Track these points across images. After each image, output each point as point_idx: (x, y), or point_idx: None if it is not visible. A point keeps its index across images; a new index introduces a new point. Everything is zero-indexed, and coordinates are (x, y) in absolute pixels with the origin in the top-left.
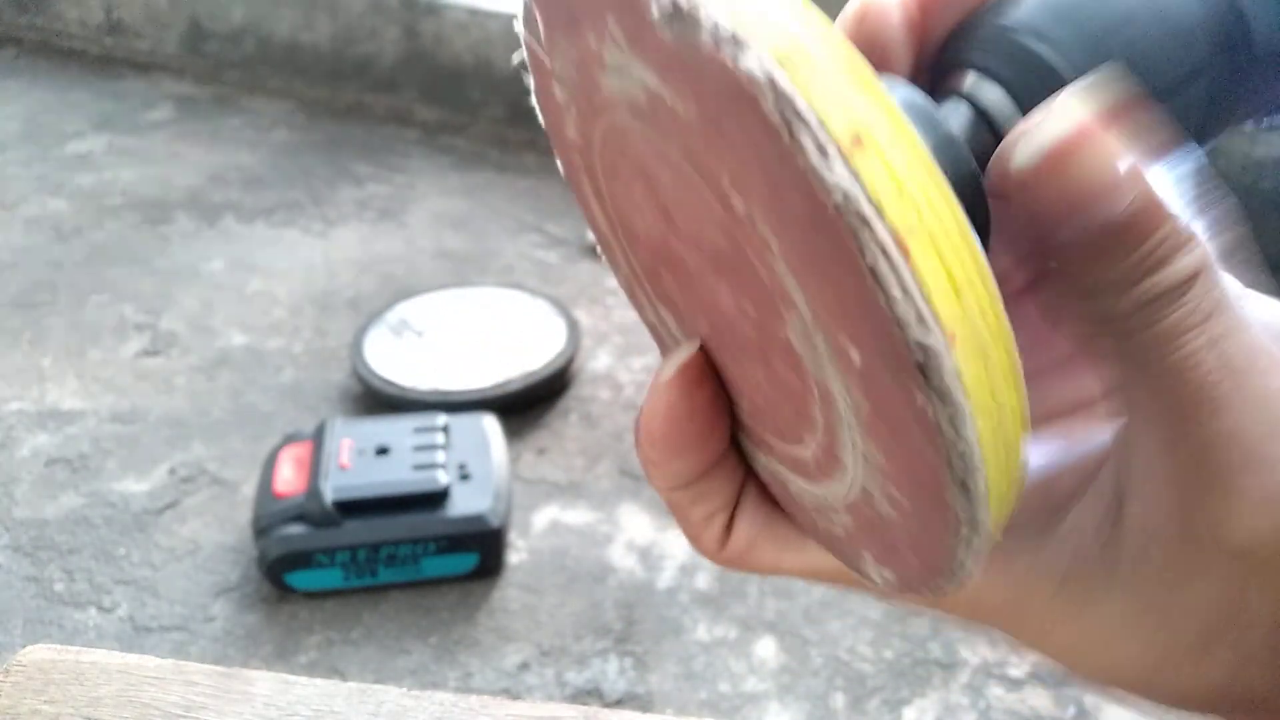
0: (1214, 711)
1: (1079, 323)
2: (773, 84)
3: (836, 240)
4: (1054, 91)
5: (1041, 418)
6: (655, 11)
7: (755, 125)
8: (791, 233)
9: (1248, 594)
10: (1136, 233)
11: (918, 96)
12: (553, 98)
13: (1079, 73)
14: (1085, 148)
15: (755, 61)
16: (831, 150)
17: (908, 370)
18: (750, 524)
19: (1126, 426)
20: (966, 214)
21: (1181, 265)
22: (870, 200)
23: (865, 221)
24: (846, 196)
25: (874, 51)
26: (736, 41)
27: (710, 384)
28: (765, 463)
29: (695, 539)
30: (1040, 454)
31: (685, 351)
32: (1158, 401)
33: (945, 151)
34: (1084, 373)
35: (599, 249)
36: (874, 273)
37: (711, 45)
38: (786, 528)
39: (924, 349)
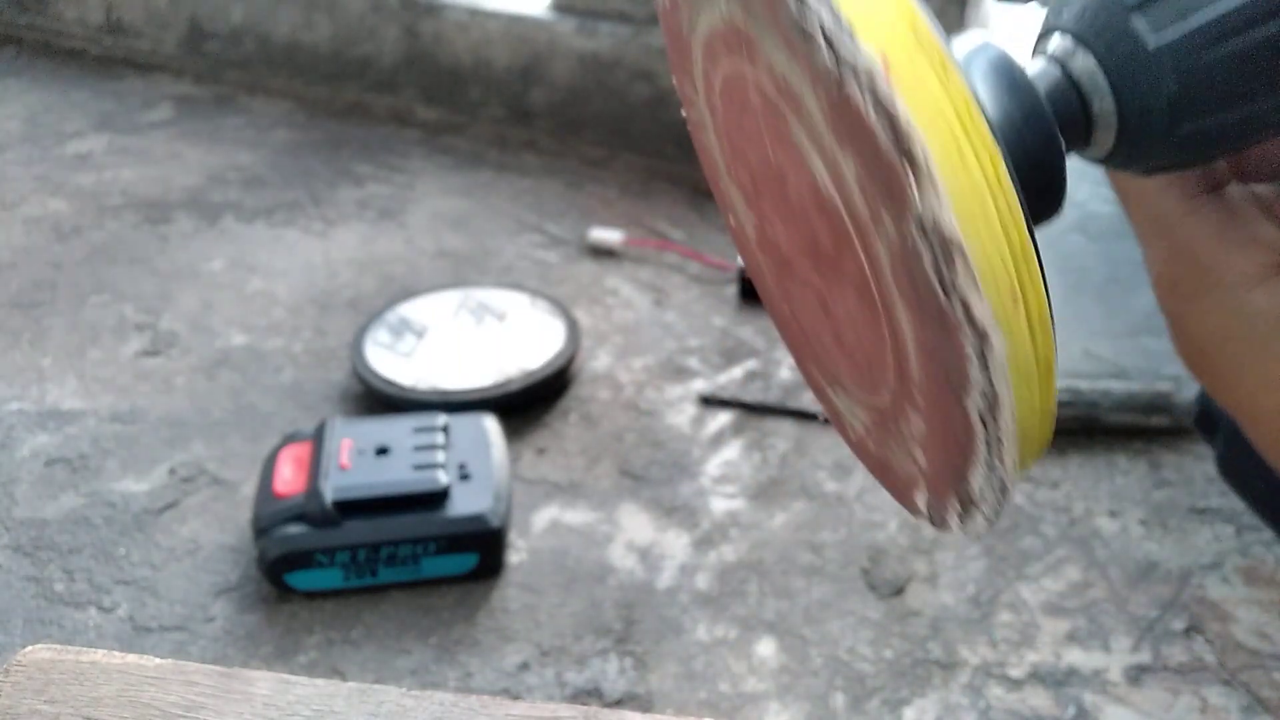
0: None
1: None
2: None
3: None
4: (1145, 70)
5: None
6: None
7: None
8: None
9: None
10: None
11: (1001, 52)
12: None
13: (1173, 54)
14: None
15: None
16: None
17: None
18: None
19: None
20: (1034, 158)
21: None
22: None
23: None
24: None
25: None
26: None
27: None
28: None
29: None
30: None
31: None
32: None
33: (1017, 100)
34: None
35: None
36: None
37: None
38: None
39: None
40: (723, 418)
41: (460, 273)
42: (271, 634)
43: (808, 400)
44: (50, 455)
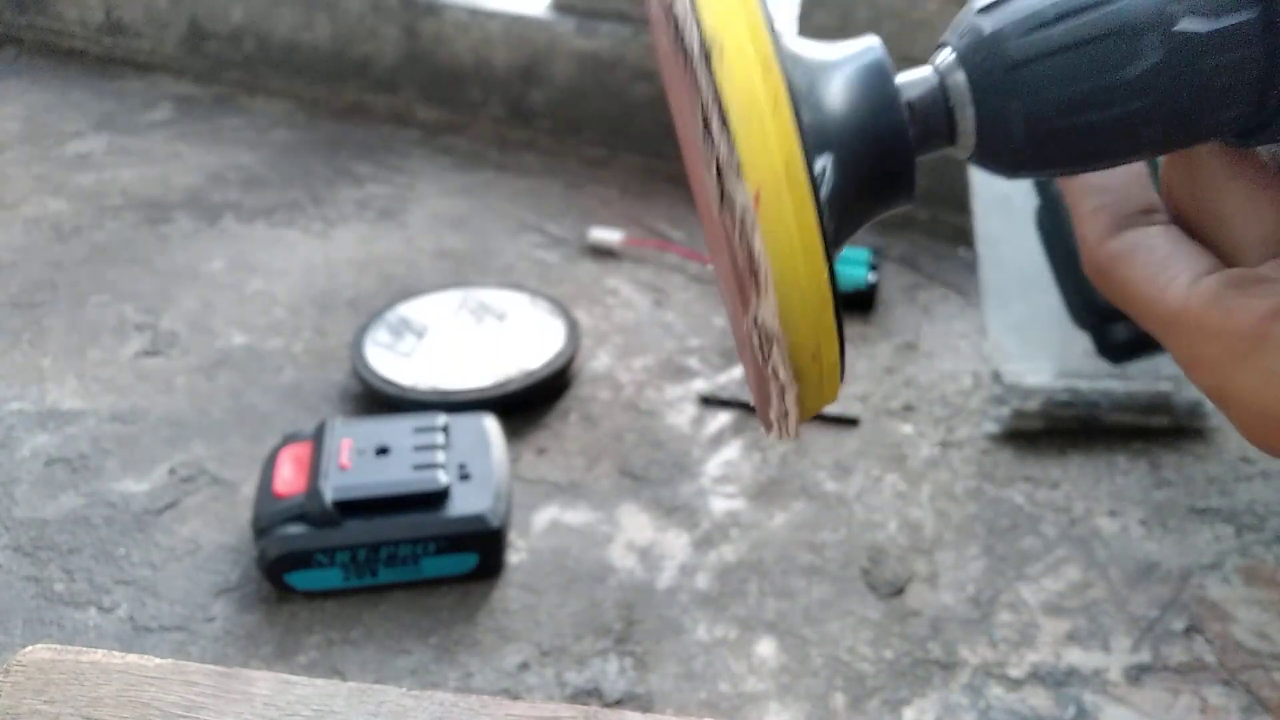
0: None
1: None
2: None
3: None
4: (1010, 92)
5: None
6: None
7: None
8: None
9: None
10: None
11: (877, 59)
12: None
13: (1037, 84)
14: None
15: None
16: None
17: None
18: None
19: None
20: (888, 155)
21: None
22: None
23: None
24: None
25: None
26: None
27: None
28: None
29: None
30: None
31: None
32: None
33: (880, 104)
34: None
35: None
36: None
37: None
38: None
39: None
40: (723, 418)
41: (460, 273)
42: (271, 634)
43: None
44: (50, 455)
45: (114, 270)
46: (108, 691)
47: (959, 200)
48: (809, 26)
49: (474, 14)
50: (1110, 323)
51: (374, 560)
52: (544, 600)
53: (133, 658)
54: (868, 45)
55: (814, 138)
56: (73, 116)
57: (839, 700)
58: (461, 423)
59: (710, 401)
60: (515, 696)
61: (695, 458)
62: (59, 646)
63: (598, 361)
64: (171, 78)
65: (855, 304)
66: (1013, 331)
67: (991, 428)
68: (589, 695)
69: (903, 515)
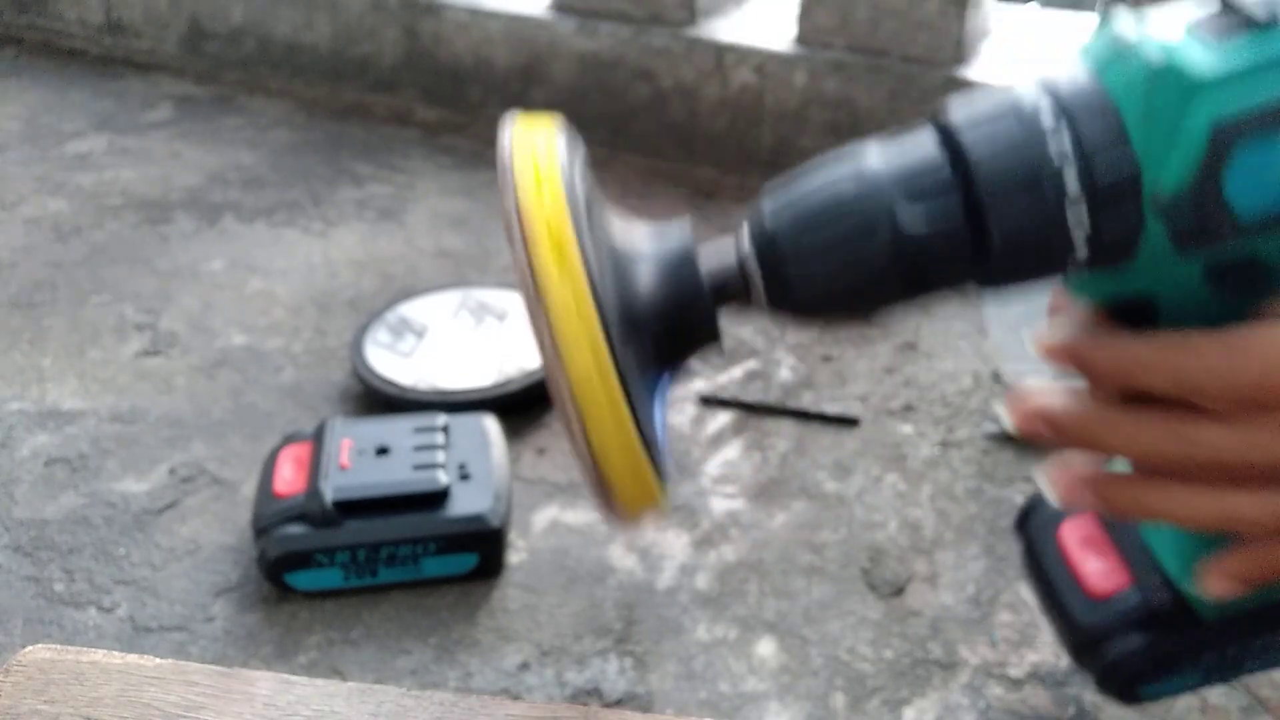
0: None
1: None
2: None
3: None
4: (789, 282)
5: None
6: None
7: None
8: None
9: None
10: None
11: (681, 241)
12: None
13: (803, 262)
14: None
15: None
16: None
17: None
18: None
19: None
20: (684, 319)
21: None
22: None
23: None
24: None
25: None
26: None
27: None
28: None
29: None
30: None
31: None
32: None
33: (684, 280)
34: None
35: None
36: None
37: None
38: None
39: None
40: (723, 418)
41: (460, 273)
42: (271, 634)
43: (808, 400)
44: (50, 455)
45: (114, 270)
46: (108, 691)
47: None
48: (809, 26)
49: (474, 14)
50: (1104, 642)
51: (374, 560)
52: (544, 600)
53: (133, 658)
54: (676, 231)
55: (625, 309)
56: (73, 116)
57: (839, 700)
58: (461, 423)
59: (710, 401)
60: (515, 696)
61: (695, 458)
62: (59, 646)
63: None
64: (171, 78)
65: None
66: (1013, 331)
67: (991, 428)
68: (589, 695)
69: (903, 515)
